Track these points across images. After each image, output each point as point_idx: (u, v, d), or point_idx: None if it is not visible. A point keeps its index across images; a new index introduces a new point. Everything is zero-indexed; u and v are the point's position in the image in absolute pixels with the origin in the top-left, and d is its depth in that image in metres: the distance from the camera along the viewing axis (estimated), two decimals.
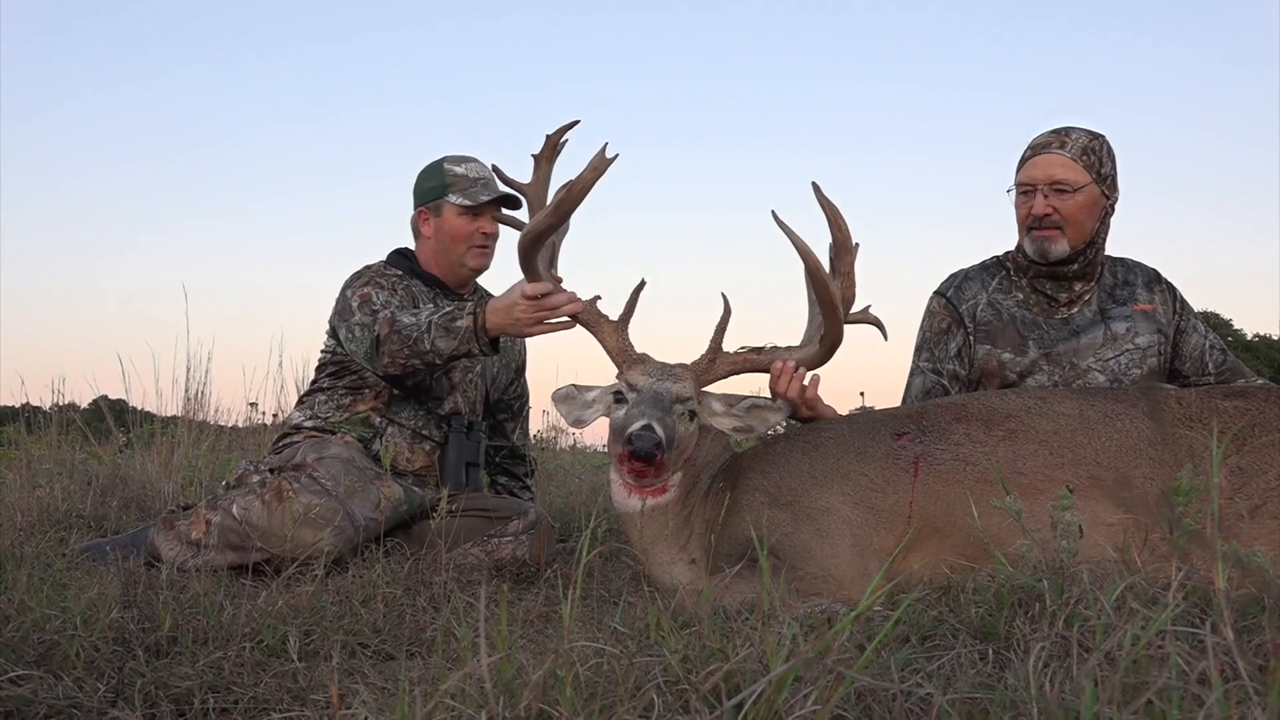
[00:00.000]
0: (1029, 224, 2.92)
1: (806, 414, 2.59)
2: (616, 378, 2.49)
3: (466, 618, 1.99)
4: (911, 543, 2.20)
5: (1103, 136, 2.93)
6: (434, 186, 3.26)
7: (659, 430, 2.22)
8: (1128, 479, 2.13)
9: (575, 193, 2.40)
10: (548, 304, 2.57)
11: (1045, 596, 1.58)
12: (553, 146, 2.65)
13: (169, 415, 5.53)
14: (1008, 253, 3.10)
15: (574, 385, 2.58)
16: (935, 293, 3.14)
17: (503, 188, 3.19)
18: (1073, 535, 1.74)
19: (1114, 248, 3.07)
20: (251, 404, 5.94)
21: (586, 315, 2.57)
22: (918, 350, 3.12)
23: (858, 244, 2.48)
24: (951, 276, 3.15)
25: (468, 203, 3.18)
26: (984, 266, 3.13)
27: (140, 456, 4.84)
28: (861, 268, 2.50)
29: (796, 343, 2.58)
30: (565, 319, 2.60)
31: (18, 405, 5.40)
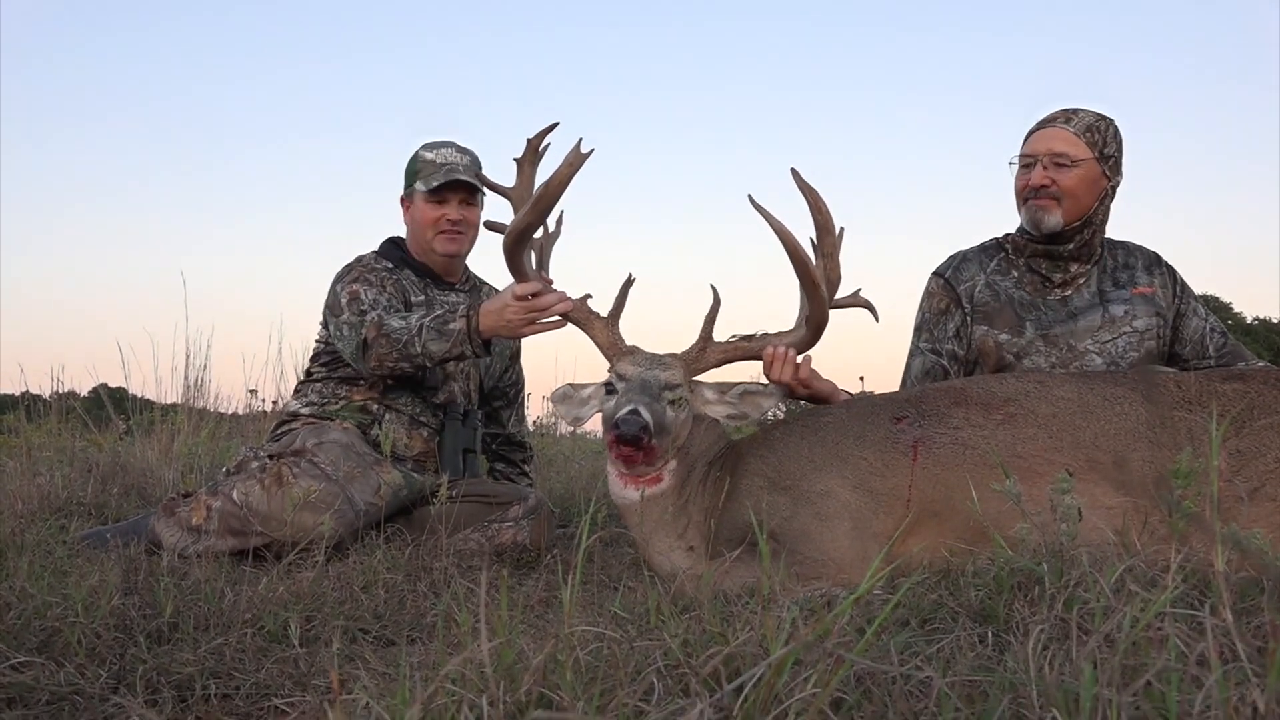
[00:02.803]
0: (1025, 194, 2.95)
1: (804, 393, 2.60)
2: (608, 370, 2.50)
3: (467, 603, 2.00)
4: (911, 526, 2.21)
5: (1110, 119, 2.94)
6: (410, 173, 3.29)
7: (645, 414, 2.23)
8: (1125, 460, 2.13)
9: (552, 188, 2.41)
10: (538, 304, 2.58)
11: (1045, 579, 1.58)
12: (534, 149, 2.65)
13: (169, 403, 5.54)
14: (1007, 235, 3.10)
15: (570, 384, 2.60)
16: (934, 273, 3.15)
17: (466, 175, 3.19)
18: (1072, 518, 1.74)
19: (1115, 230, 3.08)
20: (251, 391, 5.94)
21: (577, 313, 2.58)
22: (917, 331, 3.12)
23: (842, 229, 2.48)
24: (951, 258, 3.16)
25: (424, 189, 3.19)
26: (983, 248, 3.13)
27: (140, 444, 4.85)
28: (862, 250, 2.51)
29: (787, 328, 2.58)
30: (556, 318, 2.61)
31: (18, 393, 5.40)
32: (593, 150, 2.38)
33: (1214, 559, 1.37)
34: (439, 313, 2.82)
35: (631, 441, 2.22)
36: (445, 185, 3.18)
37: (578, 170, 2.40)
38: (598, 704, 1.19)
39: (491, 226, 2.92)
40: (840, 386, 2.71)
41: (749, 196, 2.36)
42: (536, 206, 2.45)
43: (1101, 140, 2.89)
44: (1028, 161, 2.96)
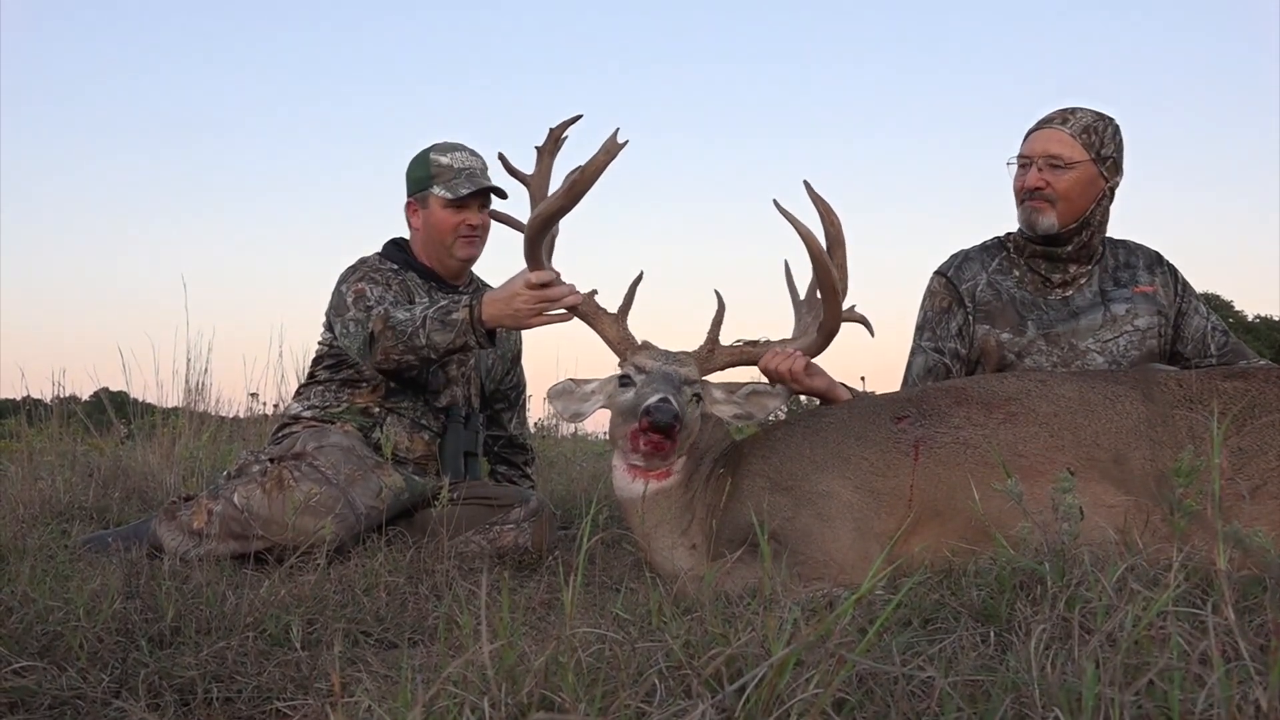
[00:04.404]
0: (1021, 196, 2.96)
1: (798, 389, 2.60)
2: (620, 365, 2.49)
3: (468, 605, 1.99)
4: (912, 526, 2.20)
5: (1110, 119, 2.93)
6: (420, 177, 3.24)
7: (675, 403, 2.23)
8: (1126, 459, 2.13)
9: (588, 175, 2.40)
10: (549, 295, 2.56)
11: (1046, 579, 1.58)
12: (555, 140, 2.64)
13: (170, 406, 5.54)
14: (1009, 234, 3.10)
15: (570, 379, 2.57)
16: (936, 272, 3.15)
17: (488, 180, 3.18)
18: (1074, 517, 1.74)
19: (1115, 228, 3.07)
20: (252, 394, 5.95)
21: (585, 308, 2.57)
22: (919, 330, 3.12)
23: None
24: (952, 256, 3.16)
25: (449, 195, 3.17)
26: (984, 247, 3.14)
27: (141, 448, 4.85)
28: (862, 250, 2.53)
29: (788, 336, 2.60)
30: (563, 311, 2.59)
31: (19, 398, 5.40)
32: (628, 141, 2.38)
33: (1216, 557, 1.37)
34: (442, 303, 2.80)
35: (664, 429, 2.22)
36: (467, 194, 3.15)
37: (614, 158, 2.38)
38: (599, 705, 1.19)
39: (500, 218, 2.92)
40: (840, 381, 2.71)
41: (774, 202, 2.38)
42: (570, 192, 2.43)
43: (1099, 142, 2.88)
44: (1024, 162, 2.96)
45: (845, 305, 2.54)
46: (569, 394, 2.57)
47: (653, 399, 2.23)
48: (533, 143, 2.68)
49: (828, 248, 2.47)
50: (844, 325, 2.55)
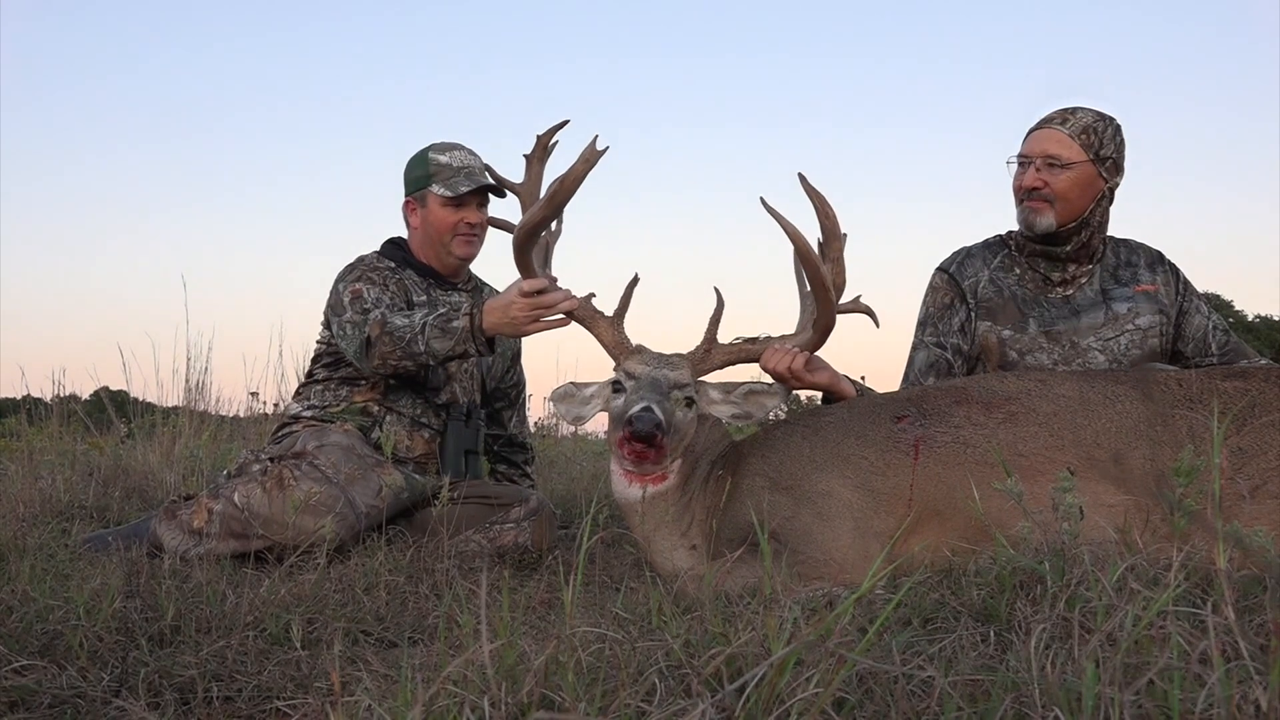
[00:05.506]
0: (1020, 195, 2.96)
1: (797, 385, 2.59)
2: (614, 369, 2.50)
3: (468, 604, 2.00)
4: (912, 525, 2.20)
5: (1111, 119, 2.92)
6: (419, 176, 3.24)
7: (658, 412, 2.23)
8: (1126, 458, 2.13)
9: (568, 184, 2.41)
10: (544, 301, 2.58)
11: (1047, 578, 1.58)
12: (544, 147, 2.65)
13: (170, 405, 5.55)
14: (1010, 232, 3.10)
15: (572, 383, 2.59)
16: (938, 268, 3.15)
17: (487, 178, 3.18)
18: (1074, 517, 1.74)
19: (1116, 228, 3.07)
20: (252, 393, 5.95)
21: (582, 312, 2.58)
22: (921, 325, 3.13)
23: (845, 234, 2.49)
24: (955, 253, 3.16)
25: (448, 193, 3.17)
26: (986, 244, 3.14)
27: (142, 447, 4.85)
28: (861, 247, 2.52)
29: (790, 332, 2.59)
30: (561, 316, 2.60)
31: (19, 397, 5.40)
32: (608, 147, 2.39)
33: (1216, 557, 1.37)
34: (442, 311, 2.81)
35: (645, 439, 2.22)
36: (466, 191, 3.16)
37: (593, 166, 2.39)
38: (599, 705, 1.19)
39: (495, 223, 2.92)
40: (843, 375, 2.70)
41: (761, 199, 2.37)
42: (551, 202, 2.44)
43: (1098, 142, 2.88)
44: (1023, 162, 2.96)
45: (850, 296, 2.54)
46: (570, 397, 2.59)
47: (635, 408, 2.24)
48: (523, 152, 2.69)
49: (825, 240, 2.47)
50: (848, 317, 2.55)
